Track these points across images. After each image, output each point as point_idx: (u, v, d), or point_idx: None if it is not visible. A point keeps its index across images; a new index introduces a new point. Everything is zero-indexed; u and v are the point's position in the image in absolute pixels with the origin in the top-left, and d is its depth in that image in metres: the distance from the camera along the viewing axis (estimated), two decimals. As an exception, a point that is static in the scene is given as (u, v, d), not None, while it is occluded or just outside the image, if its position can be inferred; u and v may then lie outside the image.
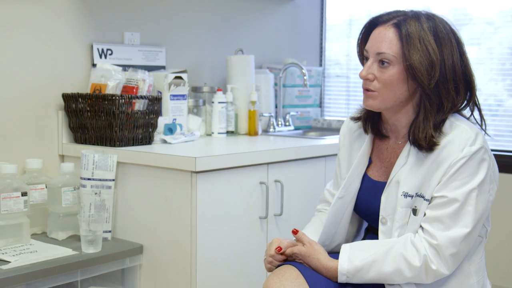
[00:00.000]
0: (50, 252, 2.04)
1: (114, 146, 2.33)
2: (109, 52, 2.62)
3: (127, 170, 2.27)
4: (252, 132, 2.90)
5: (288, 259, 1.70)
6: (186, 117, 2.66)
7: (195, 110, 2.82)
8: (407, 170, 1.62)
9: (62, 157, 2.50)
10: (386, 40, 1.60)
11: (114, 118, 2.30)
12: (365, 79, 1.63)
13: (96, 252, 2.09)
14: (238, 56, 2.98)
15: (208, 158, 2.09)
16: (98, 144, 2.38)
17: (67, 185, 2.24)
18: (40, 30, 2.42)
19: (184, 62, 2.94)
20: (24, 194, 2.11)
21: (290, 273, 1.61)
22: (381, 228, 1.67)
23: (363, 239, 1.85)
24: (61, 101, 2.47)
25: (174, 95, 2.60)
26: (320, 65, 3.72)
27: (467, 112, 1.70)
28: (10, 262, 1.92)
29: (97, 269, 2.08)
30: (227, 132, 2.85)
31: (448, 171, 1.55)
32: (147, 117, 2.41)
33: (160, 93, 2.58)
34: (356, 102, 3.53)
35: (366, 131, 1.77)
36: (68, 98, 2.43)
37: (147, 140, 2.44)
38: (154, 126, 2.46)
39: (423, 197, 1.59)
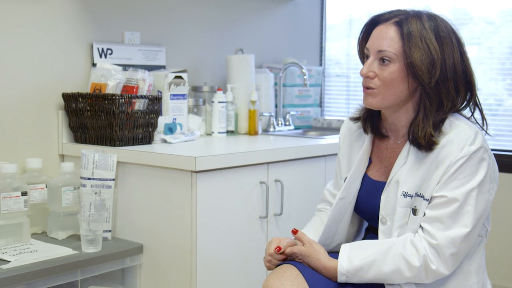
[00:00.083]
0: (50, 252, 2.04)
1: (114, 145, 2.33)
2: (109, 51, 2.62)
3: (127, 169, 2.27)
4: (252, 132, 2.90)
5: (288, 258, 1.70)
6: (186, 117, 2.66)
7: (195, 109, 2.82)
8: (406, 170, 1.62)
9: (62, 157, 2.50)
10: (387, 38, 1.60)
11: (114, 118, 2.30)
12: (366, 77, 1.64)
13: (96, 252, 2.09)
14: (238, 55, 2.98)
15: (208, 157, 2.09)
16: (98, 144, 2.38)
17: (67, 184, 2.24)
18: (40, 29, 2.42)
19: (184, 61, 2.94)
20: (24, 193, 2.11)
21: (290, 272, 1.61)
22: (381, 227, 1.67)
23: (363, 239, 1.85)
24: (61, 101, 2.47)
25: (174, 95, 2.60)
26: (320, 64, 3.72)
27: (467, 112, 1.70)
28: (10, 261, 1.92)
29: (97, 268, 2.08)
30: (227, 132, 2.85)
31: (447, 171, 1.55)
32: (147, 116, 2.41)
33: (160, 92, 2.58)
34: (356, 102, 3.53)
35: (365, 131, 1.77)
36: (68, 98, 2.43)
37: (147, 139, 2.44)
38: (154, 125, 2.46)
39: (422, 197, 1.59)
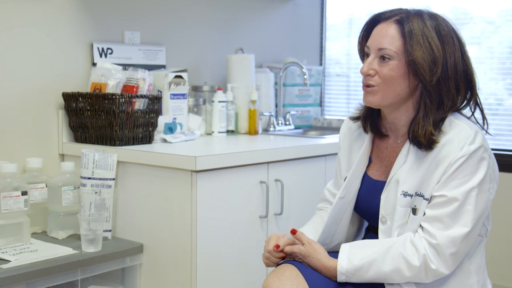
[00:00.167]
0: (50, 251, 2.04)
1: (114, 145, 2.33)
2: (109, 51, 2.62)
3: (127, 169, 2.27)
4: (252, 131, 2.90)
5: (287, 257, 1.70)
6: (186, 116, 2.66)
7: (195, 109, 2.82)
8: (406, 169, 1.62)
9: (62, 156, 2.50)
10: (388, 36, 1.60)
11: (114, 117, 2.30)
12: (366, 75, 1.64)
13: (96, 251, 2.09)
14: (238, 55, 2.98)
15: (208, 157, 2.09)
16: (98, 143, 2.38)
17: (67, 184, 2.24)
18: (40, 29, 2.42)
19: (184, 61, 2.94)
20: (24, 193, 2.11)
21: (290, 272, 1.61)
22: (381, 227, 1.67)
23: (364, 238, 1.85)
24: (61, 100, 2.47)
25: (174, 94, 2.60)
26: (320, 64, 3.72)
27: (467, 111, 1.70)
28: (10, 261, 1.92)
29: (97, 268, 2.09)
30: (227, 131, 2.85)
31: (447, 170, 1.55)
32: (147, 116, 2.41)
33: (160, 92, 2.58)
34: (356, 101, 3.53)
35: (365, 130, 1.77)
36: (68, 97, 2.43)
37: (147, 139, 2.44)
38: (154, 125, 2.46)
39: (422, 196, 1.59)
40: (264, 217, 2.30)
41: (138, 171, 2.23)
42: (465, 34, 3.09)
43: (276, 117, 3.25)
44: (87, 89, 2.49)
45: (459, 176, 1.54)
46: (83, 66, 2.56)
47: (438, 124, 1.61)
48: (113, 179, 2.24)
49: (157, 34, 2.83)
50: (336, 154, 1.94)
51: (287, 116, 3.27)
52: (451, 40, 1.61)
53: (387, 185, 1.66)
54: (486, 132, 1.68)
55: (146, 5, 2.78)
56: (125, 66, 2.58)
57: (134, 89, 2.42)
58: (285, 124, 3.25)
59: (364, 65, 1.65)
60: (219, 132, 2.80)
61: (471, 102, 1.68)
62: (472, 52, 3.10)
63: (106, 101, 2.31)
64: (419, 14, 1.62)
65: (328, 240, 1.81)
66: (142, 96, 2.38)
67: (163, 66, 2.82)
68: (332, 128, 3.30)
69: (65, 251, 2.06)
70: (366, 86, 1.65)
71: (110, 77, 2.43)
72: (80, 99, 2.39)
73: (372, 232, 1.80)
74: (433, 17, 1.62)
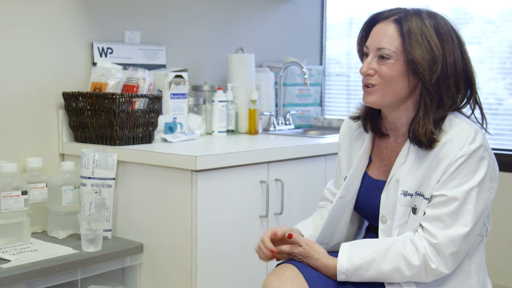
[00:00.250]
0: (50, 251, 2.04)
1: (115, 145, 2.33)
2: (109, 50, 2.62)
3: (128, 169, 2.27)
4: (252, 131, 2.90)
5: (287, 257, 1.70)
6: (187, 116, 2.66)
7: (195, 108, 2.82)
8: (406, 169, 1.62)
9: (63, 156, 2.50)
10: (387, 35, 1.60)
11: (115, 117, 2.30)
12: (366, 75, 1.63)
13: (97, 251, 2.09)
14: (239, 54, 2.98)
15: (208, 157, 2.09)
16: (98, 143, 2.38)
17: (68, 184, 2.24)
18: (40, 28, 2.42)
19: (185, 60, 2.94)
20: (24, 192, 2.11)
21: (290, 272, 1.61)
22: (381, 227, 1.67)
23: (364, 238, 1.85)
24: (61, 100, 2.47)
25: (174, 94, 2.60)
26: (321, 64, 3.72)
27: (467, 110, 1.70)
28: (10, 260, 1.92)
29: (98, 268, 2.09)
30: (228, 131, 2.86)
31: (447, 170, 1.55)
32: (147, 116, 2.41)
33: (161, 91, 2.58)
34: (356, 101, 3.52)
35: (366, 129, 1.77)
36: (69, 97, 2.43)
37: (148, 139, 2.44)
38: (154, 125, 2.46)
39: (422, 195, 1.59)
40: (264, 217, 2.30)
41: (138, 171, 2.23)
42: (465, 34, 3.09)
43: (276, 116, 3.25)
44: (87, 88, 2.49)
45: (459, 176, 1.54)
46: (83, 66, 2.56)
47: (438, 123, 1.60)
48: (113, 178, 2.24)
49: (157, 33, 2.83)
50: (336, 153, 1.94)
51: (287, 115, 3.27)
52: (450, 39, 1.61)
53: (387, 185, 1.66)
54: (486, 131, 1.68)
55: (146, 5, 2.78)
56: (125, 66, 2.58)
57: (134, 89, 2.42)
58: (285, 124, 3.25)
59: (363, 65, 1.65)
60: (219, 132, 2.80)
61: (471, 101, 1.68)
62: (472, 51, 3.10)
63: (106, 101, 2.31)
64: (417, 13, 1.62)
65: (328, 240, 1.81)
66: (142, 96, 2.38)
67: (163, 66, 2.82)
68: (332, 128, 3.30)
69: (65, 250, 2.06)
70: (366, 86, 1.65)
71: (110, 77, 2.43)
72: (80, 98, 2.39)
73: (372, 232, 1.80)
74: (432, 16, 1.62)
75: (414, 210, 1.60)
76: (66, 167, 2.27)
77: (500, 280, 3.05)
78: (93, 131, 2.39)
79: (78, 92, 2.41)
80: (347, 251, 1.62)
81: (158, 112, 2.47)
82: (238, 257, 2.23)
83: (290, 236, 1.67)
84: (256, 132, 2.90)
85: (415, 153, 1.62)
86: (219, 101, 2.79)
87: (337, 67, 3.70)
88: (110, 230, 2.26)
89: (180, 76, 2.63)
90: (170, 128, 2.55)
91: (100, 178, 2.22)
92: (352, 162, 1.77)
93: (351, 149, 1.82)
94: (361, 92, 1.69)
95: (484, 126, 1.68)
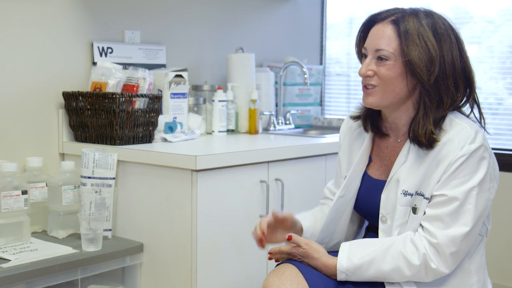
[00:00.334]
0: (51, 251, 2.04)
1: (115, 144, 2.33)
2: (109, 50, 2.62)
3: (128, 168, 2.27)
4: (252, 131, 2.90)
5: (287, 257, 1.70)
6: (187, 116, 2.66)
7: (195, 108, 2.82)
8: (406, 168, 1.62)
9: (63, 156, 2.50)
10: (385, 37, 1.60)
11: (115, 117, 2.30)
12: (365, 76, 1.63)
13: (97, 251, 2.09)
14: (239, 54, 2.98)
15: (208, 156, 2.09)
16: (98, 143, 2.38)
17: (68, 183, 2.24)
18: (40, 28, 2.42)
19: (185, 60, 2.94)
20: (24, 192, 2.11)
21: (290, 271, 1.61)
22: (381, 226, 1.67)
23: (364, 238, 1.85)
24: (61, 100, 2.47)
25: (174, 94, 2.60)
26: (321, 63, 3.72)
27: (466, 109, 1.69)
28: (10, 260, 1.92)
29: (98, 267, 2.09)
30: (228, 131, 2.86)
31: (448, 170, 1.55)
32: (147, 115, 2.41)
33: (161, 91, 2.58)
34: (356, 101, 3.53)
35: (366, 129, 1.77)
36: (69, 97, 2.43)
37: (148, 138, 2.44)
38: (154, 124, 2.46)
39: (423, 195, 1.59)
40: (264, 216, 2.30)
41: (138, 171, 2.23)
42: (465, 34, 3.10)
43: (276, 116, 3.25)
44: (87, 88, 2.49)
45: (460, 176, 1.54)
46: (83, 65, 2.56)
47: (438, 123, 1.60)
48: (113, 178, 2.24)
49: (157, 33, 2.83)
50: (336, 153, 1.94)
51: (287, 115, 3.27)
52: (448, 38, 1.60)
53: (387, 184, 1.66)
54: (485, 130, 1.68)
55: (146, 4, 2.78)
56: (125, 65, 2.58)
57: (134, 88, 2.42)
58: (285, 124, 3.25)
59: (362, 67, 1.65)
60: (219, 132, 2.80)
61: (470, 99, 1.68)
62: (472, 51, 3.11)
63: (106, 100, 2.31)
64: (414, 13, 1.61)
65: (328, 239, 1.81)
66: (142, 96, 2.38)
67: (163, 65, 2.82)
68: (332, 128, 3.30)
69: (65, 250, 2.06)
70: (365, 87, 1.65)
71: (110, 76, 2.43)
72: (81, 98, 2.39)
73: (372, 232, 1.80)
74: (430, 15, 1.62)
75: (414, 210, 1.60)
76: (66, 166, 2.27)
77: (500, 279, 3.05)
78: (93, 130, 2.39)
79: (78, 91, 2.41)
80: (347, 250, 1.62)
81: (158, 111, 2.47)
82: (238, 257, 2.23)
83: (290, 237, 1.67)
84: (256, 132, 2.90)
85: (415, 153, 1.62)
86: (219, 101, 2.79)
87: (337, 67, 3.70)
88: (110, 230, 2.26)
89: (180, 76, 2.63)
90: (170, 128, 2.55)
91: (100, 178, 2.22)
92: (352, 162, 1.77)
93: (351, 148, 1.82)
94: (361, 92, 1.69)
95: (482, 124, 1.68)
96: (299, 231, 1.79)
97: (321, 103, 3.61)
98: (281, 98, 3.28)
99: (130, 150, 2.26)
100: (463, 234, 1.54)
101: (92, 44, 2.58)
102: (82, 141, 2.44)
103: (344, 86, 3.66)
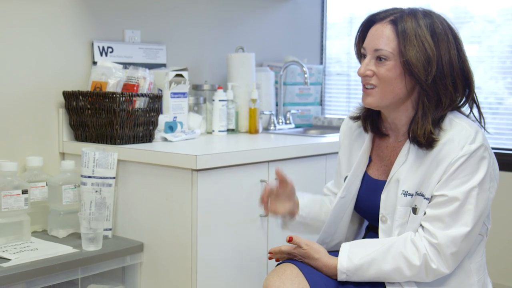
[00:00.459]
0: (51, 250, 2.04)
1: (115, 144, 2.33)
2: (109, 49, 2.62)
3: (128, 168, 2.27)
4: (252, 130, 2.90)
5: (287, 257, 1.70)
6: (187, 115, 2.66)
7: (195, 108, 2.82)
8: (406, 169, 1.62)
9: (63, 155, 2.50)
10: (383, 36, 1.60)
11: (115, 116, 2.30)
12: (364, 76, 1.64)
13: (97, 250, 2.09)
14: (239, 54, 2.98)
15: (208, 156, 2.09)
16: (98, 142, 2.38)
17: (68, 183, 2.24)
18: (40, 28, 2.42)
19: (185, 60, 2.94)
20: (24, 191, 2.11)
21: (290, 271, 1.61)
22: (381, 226, 1.67)
23: (364, 237, 1.85)
24: (61, 99, 2.47)
25: (174, 93, 2.60)
26: (321, 63, 3.72)
27: (466, 109, 1.69)
28: (10, 260, 1.92)
29: (98, 267, 2.09)
30: (228, 130, 2.86)
31: (448, 170, 1.55)
32: (147, 115, 2.41)
33: (161, 91, 2.58)
34: (356, 100, 3.53)
35: (366, 129, 1.77)
36: (69, 96, 2.43)
37: (148, 138, 2.44)
38: (154, 124, 2.46)
39: (423, 195, 1.59)
40: (265, 216, 2.30)
41: (139, 170, 2.23)
42: (465, 33, 3.10)
43: (277, 116, 3.25)
44: (87, 87, 2.49)
45: (460, 176, 1.54)
46: (83, 65, 2.56)
47: (437, 123, 1.60)
48: (114, 177, 2.24)
49: (157, 32, 2.83)
50: (336, 153, 1.94)
51: (288, 115, 3.27)
52: (446, 38, 1.60)
53: (387, 185, 1.66)
54: (484, 129, 1.68)
55: (146, 4, 2.78)
56: (126, 65, 2.58)
57: (135, 88, 2.42)
58: (286, 123, 3.25)
59: (361, 67, 1.65)
60: (219, 131, 2.80)
61: (469, 99, 1.68)
62: (472, 51, 3.11)
63: (107, 100, 2.31)
64: (413, 13, 1.61)
65: (328, 239, 1.81)
66: (142, 95, 2.38)
67: (164, 65, 2.82)
68: (332, 127, 3.30)
69: (66, 249, 2.06)
70: (365, 87, 1.65)
71: (111, 76, 2.43)
72: (81, 97, 2.39)
73: (372, 231, 1.80)
74: (428, 15, 1.62)
75: (414, 210, 1.60)
76: (66, 166, 2.27)
77: (500, 279, 3.05)
78: (94, 130, 2.39)
79: (79, 91, 2.41)
80: (347, 251, 1.62)
81: (159, 111, 2.47)
82: (238, 256, 2.23)
83: (290, 238, 1.67)
84: (256, 131, 2.90)
85: (415, 153, 1.62)
86: (220, 100, 2.79)
87: (337, 66, 3.70)
88: (110, 229, 2.26)
89: (181, 75, 2.63)
90: (171, 127, 2.55)
91: (101, 177, 2.22)
92: (352, 162, 1.78)
93: (351, 149, 1.82)
94: (361, 92, 1.69)
95: (482, 124, 1.68)
96: (296, 206, 1.84)
97: (321, 103, 3.61)
98: (281, 97, 3.28)
99: (130, 149, 2.26)
100: (464, 234, 1.54)
101: (93, 44, 2.58)
102: (82, 141, 2.44)
103: (344, 85, 3.66)
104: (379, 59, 1.61)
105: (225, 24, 3.14)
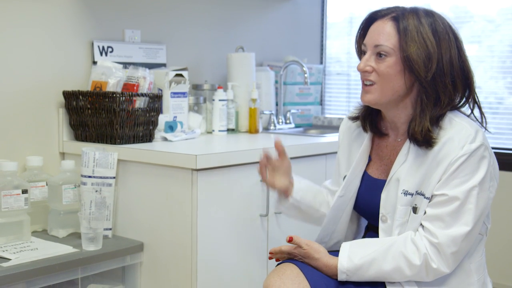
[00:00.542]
0: (51, 250, 2.04)
1: (115, 143, 2.33)
2: (109, 49, 2.62)
3: (128, 167, 2.27)
4: (252, 130, 2.90)
5: (288, 257, 1.70)
6: (187, 115, 2.66)
7: (195, 107, 2.82)
8: (406, 168, 1.62)
9: (63, 155, 2.50)
10: (384, 33, 1.60)
11: (115, 116, 2.30)
12: (363, 71, 1.63)
13: (97, 250, 2.09)
14: (239, 53, 2.98)
15: (208, 155, 2.09)
16: (98, 142, 2.38)
17: (68, 182, 2.24)
18: (40, 27, 2.42)
19: (185, 59, 2.94)
20: (24, 191, 2.11)
21: (291, 271, 1.61)
22: (381, 226, 1.67)
23: (363, 237, 1.85)
24: (61, 99, 2.47)
25: (174, 93, 2.60)
26: (321, 63, 3.72)
27: (467, 109, 1.69)
28: (10, 259, 1.92)
29: (98, 266, 2.09)
30: (228, 130, 2.86)
31: (448, 169, 1.55)
32: (147, 114, 2.41)
33: (161, 90, 2.58)
34: (356, 100, 3.51)
35: (365, 129, 1.77)
36: (69, 96, 2.43)
37: (148, 137, 2.44)
38: (154, 123, 2.46)
39: (423, 195, 1.59)
40: (265, 216, 2.30)
41: (139, 170, 2.23)
42: (465, 33, 3.10)
43: (277, 115, 3.25)
44: (87, 87, 2.49)
45: (460, 175, 1.54)
46: (83, 65, 2.56)
47: (436, 121, 1.60)
48: (114, 177, 2.24)
49: (157, 32, 2.83)
50: (336, 152, 1.93)
51: (288, 114, 3.27)
52: (447, 37, 1.60)
53: (387, 184, 1.66)
54: (486, 129, 1.68)
55: (146, 4, 2.78)
56: (126, 65, 2.58)
57: (135, 88, 2.42)
58: (286, 123, 3.25)
59: (361, 62, 1.65)
60: (219, 131, 2.80)
61: (470, 100, 1.68)
62: (473, 50, 3.11)
63: (107, 100, 2.31)
64: (414, 11, 1.62)
65: (327, 238, 1.81)
66: (142, 95, 2.38)
67: (164, 65, 2.82)
68: (332, 127, 3.30)
69: (66, 249, 2.06)
70: (364, 84, 1.65)
71: (111, 76, 2.43)
72: (81, 97, 2.39)
73: (371, 231, 1.80)
74: (429, 14, 1.62)
75: (414, 210, 1.60)
76: (66, 165, 2.27)
77: (501, 279, 3.05)
78: (94, 129, 2.39)
79: (79, 91, 2.41)
80: (347, 250, 1.62)
81: (159, 111, 2.47)
82: (238, 256, 2.23)
83: (290, 238, 1.67)
84: (256, 131, 2.90)
85: (415, 152, 1.62)
86: (220, 100, 2.79)
87: (337, 66, 3.70)
88: (110, 229, 2.26)
89: (181, 75, 2.63)
90: (171, 127, 2.55)
91: (101, 177, 2.22)
92: (352, 162, 1.77)
93: (350, 148, 1.82)
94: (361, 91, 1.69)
95: (484, 125, 1.68)
96: (291, 185, 1.84)
97: (321, 102, 3.61)
98: (281, 97, 3.28)
99: (130, 149, 2.26)
100: (464, 233, 1.54)
101: (93, 43, 2.58)
102: (82, 140, 2.44)
103: (344, 85, 3.66)
104: (379, 55, 1.61)
105: (225, 24, 3.14)
